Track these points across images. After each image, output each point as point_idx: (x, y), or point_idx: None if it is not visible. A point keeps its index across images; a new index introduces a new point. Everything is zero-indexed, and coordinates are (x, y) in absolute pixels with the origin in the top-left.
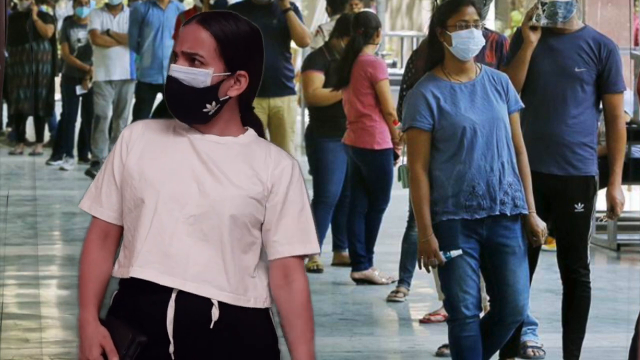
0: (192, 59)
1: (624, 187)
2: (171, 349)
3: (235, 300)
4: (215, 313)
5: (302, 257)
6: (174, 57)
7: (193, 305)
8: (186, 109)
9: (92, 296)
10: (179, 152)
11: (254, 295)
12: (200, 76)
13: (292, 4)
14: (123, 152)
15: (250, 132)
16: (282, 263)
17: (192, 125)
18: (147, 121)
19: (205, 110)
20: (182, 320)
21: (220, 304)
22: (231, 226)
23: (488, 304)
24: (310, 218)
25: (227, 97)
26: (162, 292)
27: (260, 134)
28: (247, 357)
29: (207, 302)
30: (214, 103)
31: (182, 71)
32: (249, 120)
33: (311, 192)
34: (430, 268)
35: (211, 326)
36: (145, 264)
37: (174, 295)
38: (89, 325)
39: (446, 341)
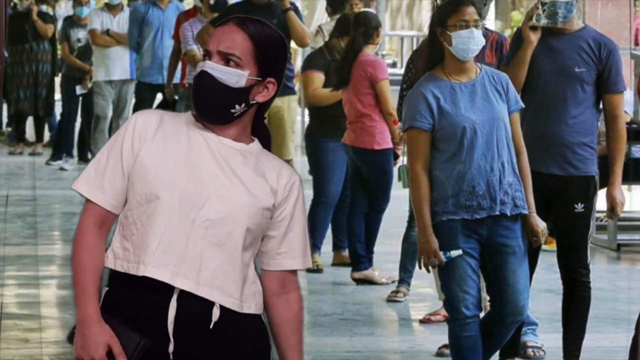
0: (227, 60)
1: (624, 187)
2: (171, 348)
3: (240, 307)
4: (215, 313)
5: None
6: (206, 55)
7: (194, 306)
8: (214, 105)
9: (94, 290)
10: (195, 152)
11: (254, 302)
12: (236, 76)
13: (292, 4)
14: (135, 142)
15: (257, 142)
16: (282, 274)
17: (208, 126)
18: (161, 113)
19: (232, 110)
20: (182, 320)
21: (222, 306)
22: (244, 235)
23: (488, 304)
24: (307, 233)
25: (255, 102)
26: (165, 291)
27: (268, 145)
28: (246, 355)
29: (208, 303)
30: (243, 105)
31: (217, 69)
32: (259, 129)
33: (311, 192)
34: (430, 268)
35: (211, 326)
36: (160, 265)
37: (175, 295)
38: (94, 323)
39: (446, 341)
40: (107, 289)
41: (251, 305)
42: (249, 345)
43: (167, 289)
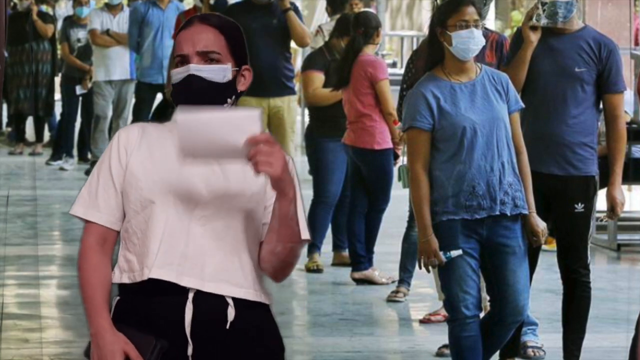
0: (208, 58)
1: (624, 187)
2: (189, 350)
3: (254, 296)
4: (231, 312)
5: None
6: (184, 60)
7: (210, 306)
8: (209, 104)
9: (103, 302)
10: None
11: (265, 291)
12: (222, 71)
13: (292, 4)
14: (122, 155)
15: None
16: None
17: None
18: (142, 124)
19: (225, 105)
20: (199, 322)
21: (236, 303)
22: (244, 222)
23: (488, 304)
24: (300, 207)
25: (240, 91)
26: (179, 293)
27: None
28: (262, 355)
29: (223, 303)
30: (233, 97)
31: (203, 69)
32: None
33: (311, 192)
34: (430, 268)
35: (227, 326)
36: (163, 265)
37: (190, 296)
38: (107, 333)
39: (446, 341)
40: (117, 298)
41: (263, 294)
42: (264, 338)
43: (179, 291)
